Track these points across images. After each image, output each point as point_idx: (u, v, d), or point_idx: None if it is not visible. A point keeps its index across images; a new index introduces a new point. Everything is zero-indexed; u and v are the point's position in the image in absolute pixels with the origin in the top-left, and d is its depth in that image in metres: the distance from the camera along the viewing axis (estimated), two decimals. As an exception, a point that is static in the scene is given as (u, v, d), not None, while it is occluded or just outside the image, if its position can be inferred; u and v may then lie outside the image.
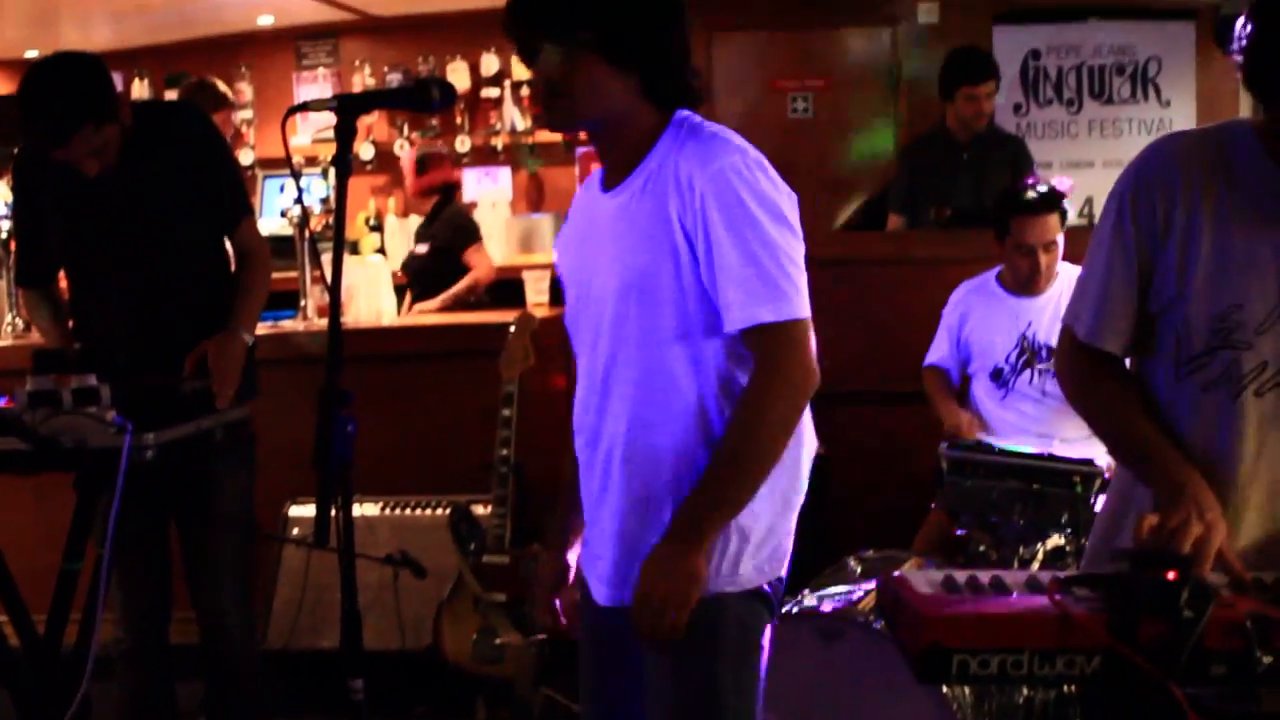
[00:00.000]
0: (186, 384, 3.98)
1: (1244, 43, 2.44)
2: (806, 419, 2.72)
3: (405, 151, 7.88)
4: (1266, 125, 2.48)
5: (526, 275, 6.77)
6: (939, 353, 5.30)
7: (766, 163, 2.62)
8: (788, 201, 2.63)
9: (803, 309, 2.60)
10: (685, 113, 2.68)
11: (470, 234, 7.33)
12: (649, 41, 2.60)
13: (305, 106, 2.57)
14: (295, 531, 5.56)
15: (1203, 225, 2.50)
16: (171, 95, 8.42)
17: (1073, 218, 5.54)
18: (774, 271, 2.55)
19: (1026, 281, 5.02)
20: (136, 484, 3.53)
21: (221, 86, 7.35)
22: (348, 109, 2.50)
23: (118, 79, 8.50)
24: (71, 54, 4.08)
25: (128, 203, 4.18)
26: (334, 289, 2.38)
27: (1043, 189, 4.96)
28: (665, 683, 2.67)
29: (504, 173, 8.76)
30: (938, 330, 5.32)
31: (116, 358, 4.08)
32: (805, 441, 2.76)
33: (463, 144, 8.63)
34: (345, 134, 2.49)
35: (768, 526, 2.69)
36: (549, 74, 2.56)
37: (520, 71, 8.35)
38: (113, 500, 3.44)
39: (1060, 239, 4.94)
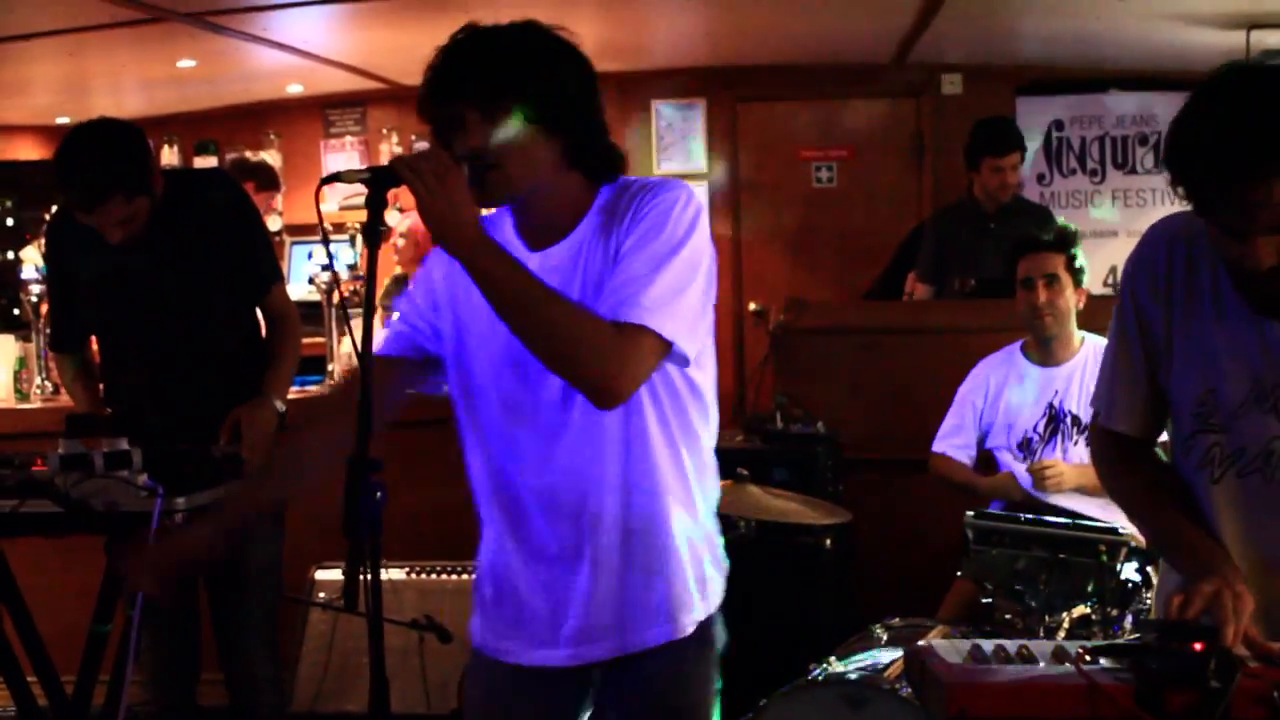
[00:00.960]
0: (216, 449, 4.01)
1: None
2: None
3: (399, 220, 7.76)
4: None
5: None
6: (950, 439, 5.27)
7: (705, 212, 2.68)
8: (709, 254, 2.64)
9: (674, 334, 2.54)
10: (628, 178, 2.71)
11: None
12: (573, 109, 2.61)
13: (338, 177, 2.59)
14: (321, 595, 5.57)
15: (1182, 309, 2.55)
16: (201, 162, 8.49)
17: (1097, 287, 5.56)
18: (673, 290, 2.53)
19: (1033, 326, 5.03)
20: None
21: (274, 167, 7.41)
22: (380, 181, 2.53)
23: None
24: (113, 122, 4.14)
25: (159, 270, 4.22)
26: (364, 356, 2.40)
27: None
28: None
29: (529, 240, 8.78)
30: (950, 412, 5.29)
31: (147, 423, 4.11)
32: None
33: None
34: (377, 205, 2.51)
35: None
36: (478, 147, 2.54)
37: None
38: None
39: (1065, 279, 4.95)
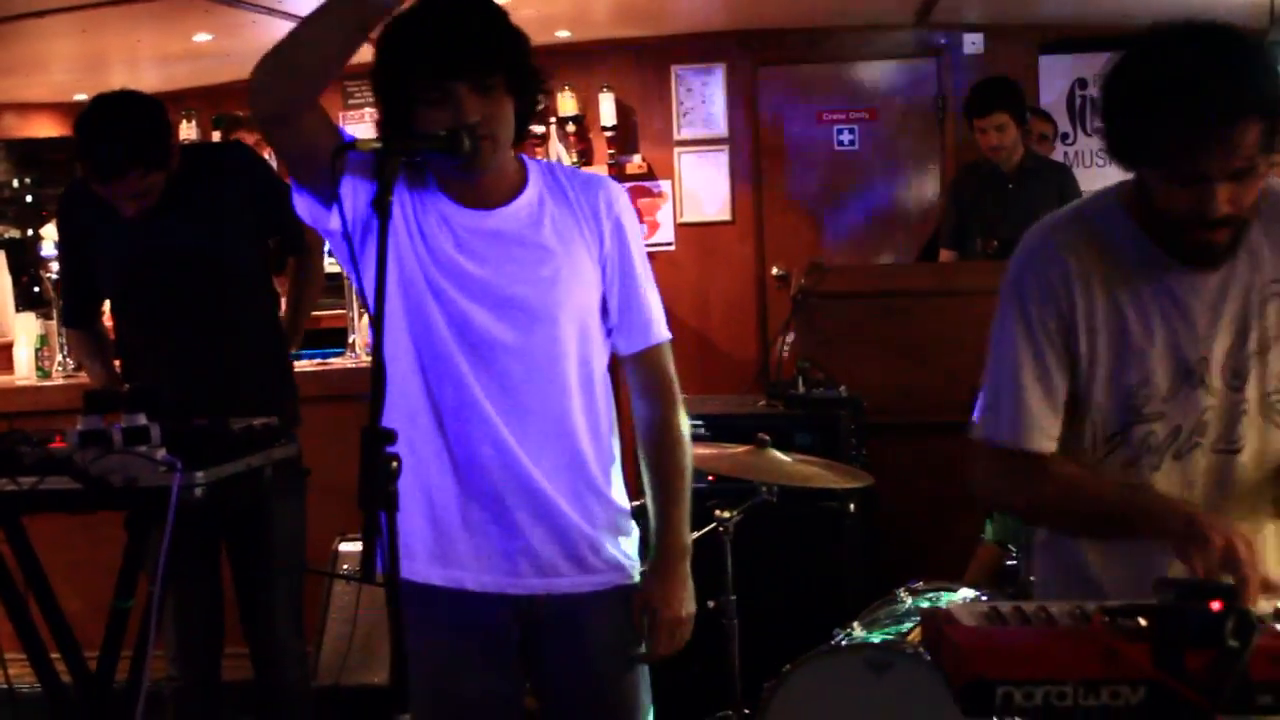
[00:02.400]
0: (235, 422, 4.01)
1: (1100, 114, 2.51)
2: None
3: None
4: (1134, 195, 2.55)
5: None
6: None
7: None
8: None
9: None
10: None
11: None
12: (531, 79, 2.85)
13: (352, 146, 2.62)
14: (345, 567, 5.58)
15: (1098, 310, 2.56)
16: (218, 137, 8.49)
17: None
18: (656, 292, 3.03)
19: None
20: (188, 521, 3.56)
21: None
22: (390, 151, 2.54)
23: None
24: (134, 95, 4.14)
25: (174, 242, 4.22)
26: (377, 325, 2.39)
27: None
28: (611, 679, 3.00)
29: (550, 208, 8.78)
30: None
31: (165, 397, 4.11)
32: None
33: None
34: (387, 175, 2.51)
35: None
36: (471, 117, 2.70)
37: (566, 107, 8.39)
38: (163, 537, 3.46)
39: None
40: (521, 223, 2.88)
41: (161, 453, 3.59)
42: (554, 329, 2.86)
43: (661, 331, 3.02)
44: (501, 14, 2.79)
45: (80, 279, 4.44)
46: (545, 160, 3.04)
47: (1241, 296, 2.54)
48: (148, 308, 4.33)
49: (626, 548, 3.02)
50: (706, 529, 4.41)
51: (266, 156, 4.76)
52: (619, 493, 3.02)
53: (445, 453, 2.86)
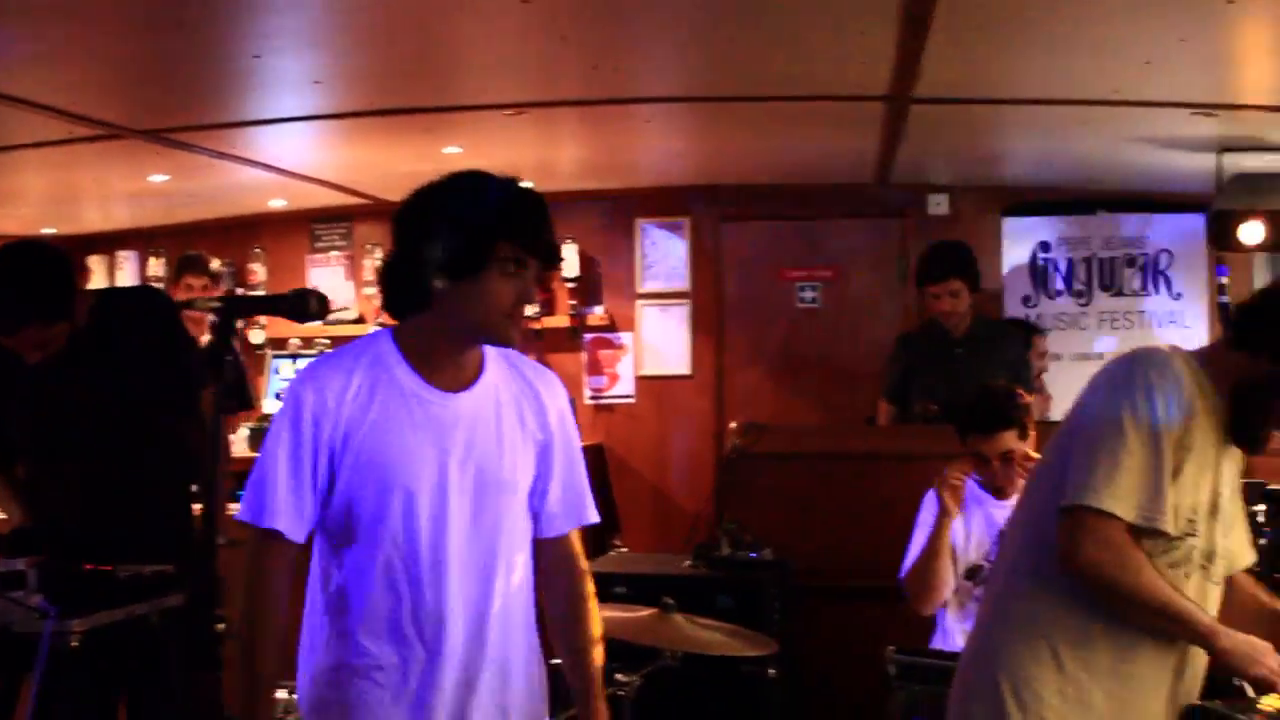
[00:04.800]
0: (124, 569, 3.97)
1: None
2: None
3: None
4: (1222, 368, 3.12)
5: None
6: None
7: None
8: None
9: None
10: None
11: None
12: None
13: (191, 305, 2.64)
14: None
15: (1193, 434, 3.07)
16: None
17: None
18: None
19: (990, 486, 4.96)
20: (67, 670, 3.51)
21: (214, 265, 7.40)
22: (230, 310, 2.55)
23: (133, 257, 8.69)
24: (39, 246, 4.18)
25: (75, 393, 4.22)
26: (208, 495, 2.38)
27: (995, 402, 4.90)
28: None
29: (510, 357, 8.74)
30: (913, 539, 5.09)
31: (69, 541, 4.08)
32: None
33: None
34: (225, 331, 2.51)
35: None
36: (534, 297, 3.04)
37: (528, 258, 8.37)
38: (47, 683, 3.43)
39: (1021, 446, 4.85)
40: (479, 405, 3.02)
41: (37, 599, 3.55)
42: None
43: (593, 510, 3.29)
44: None
45: None
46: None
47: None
48: (48, 453, 4.32)
49: None
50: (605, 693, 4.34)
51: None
52: None
53: None
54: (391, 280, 2.94)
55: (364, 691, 2.90)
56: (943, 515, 4.86)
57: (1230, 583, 3.30)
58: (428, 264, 2.84)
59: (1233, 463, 3.20)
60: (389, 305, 2.99)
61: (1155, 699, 3.13)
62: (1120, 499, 2.96)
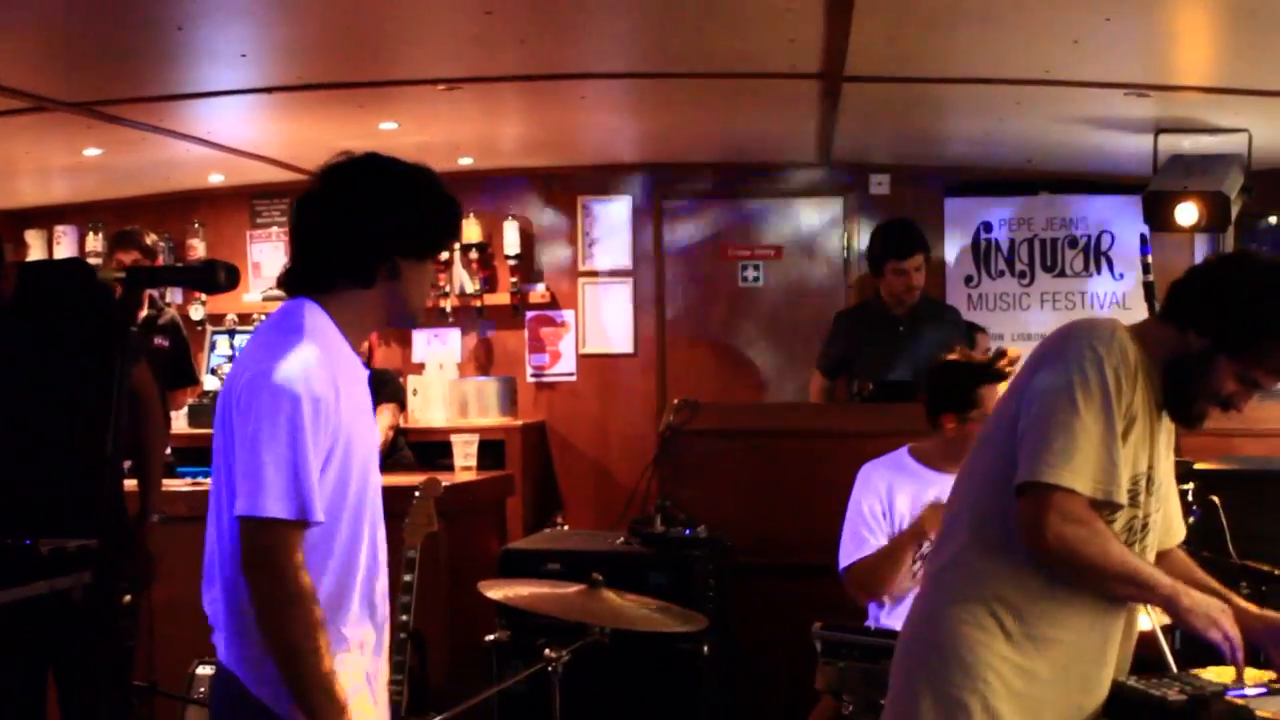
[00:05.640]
0: (46, 543, 3.94)
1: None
2: None
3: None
4: (1160, 346, 3.19)
5: (455, 439, 6.75)
6: (859, 554, 4.94)
7: None
8: None
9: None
10: None
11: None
12: None
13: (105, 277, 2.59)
14: (201, 691, 5.45)
15: (1136, 405, 3.11)
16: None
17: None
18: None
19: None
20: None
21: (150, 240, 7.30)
22: (135, 281, 2.51)
23: (71, 231, 8.61)
24: None
25: (6, 364, 4.18)
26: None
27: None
28: None
29: (453, 334, 8.75)
30: (846, 527, 5.00)
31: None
32: None
33: (413, 305, 8.58)
34: (130, 304, 2.48)
35: None
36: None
37: (470, 235, 8.35)
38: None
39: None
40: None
41: (-51, 573, 3.52)
42: None
43: None
44: None
45: None
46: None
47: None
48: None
49: None
50: (535, 667, 4.35)
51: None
52: None
53: None
54: (329, 252, 2.89)
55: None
56: (915, 535, 4.81)
57: (1167, 558, 3.37)
58: (386, 243, 2.86)
59: (1167, 436, 3.26)
60: (313, 276, 2.92)
61: (1097, 666, 3.16)
62: (1079, 473, 2.98)
